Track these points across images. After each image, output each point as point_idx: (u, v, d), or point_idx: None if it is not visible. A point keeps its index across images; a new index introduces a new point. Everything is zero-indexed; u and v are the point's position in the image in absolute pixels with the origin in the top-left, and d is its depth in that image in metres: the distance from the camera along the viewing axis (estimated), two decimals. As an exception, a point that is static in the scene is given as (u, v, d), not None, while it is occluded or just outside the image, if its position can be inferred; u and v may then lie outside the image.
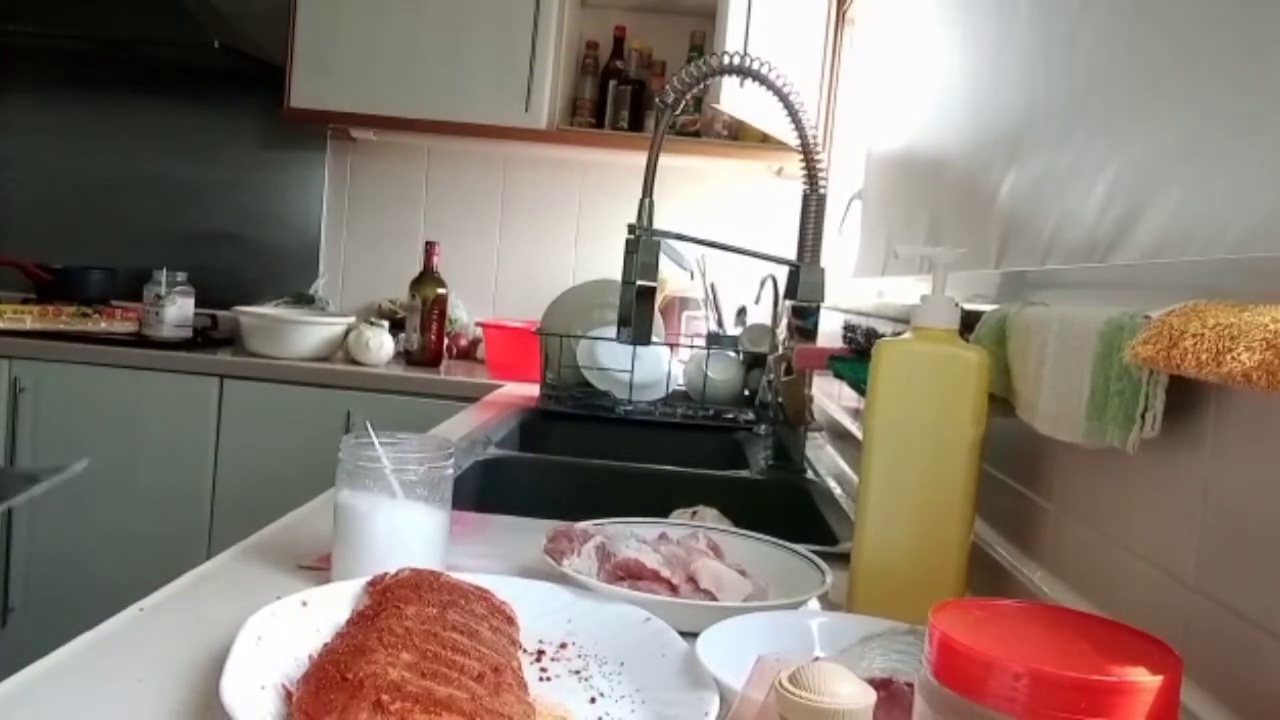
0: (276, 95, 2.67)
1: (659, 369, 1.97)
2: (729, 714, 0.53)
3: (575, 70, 2.86)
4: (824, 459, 1.65)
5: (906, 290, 1.41)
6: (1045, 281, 0.91)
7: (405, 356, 2.65)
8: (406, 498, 0.81)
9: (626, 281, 1.38)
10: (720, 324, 2.16)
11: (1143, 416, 0.61)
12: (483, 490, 1.41)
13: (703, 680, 0.63)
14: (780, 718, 0.42)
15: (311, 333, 2.56)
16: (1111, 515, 0.72)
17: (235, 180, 3.01)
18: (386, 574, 0.74)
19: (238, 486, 2.44)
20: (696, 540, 0.91)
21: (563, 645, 0.73)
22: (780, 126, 1.93)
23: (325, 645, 0.63)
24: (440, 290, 2.62)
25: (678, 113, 1.47)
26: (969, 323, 0.88)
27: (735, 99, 2.05)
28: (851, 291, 1.92)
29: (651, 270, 1.39)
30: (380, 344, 2.56)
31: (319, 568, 0.86)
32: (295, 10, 2.62)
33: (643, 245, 1.37)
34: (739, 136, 2.71)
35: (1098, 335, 0.66)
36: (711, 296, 2.18)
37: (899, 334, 0.89)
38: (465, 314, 2.92)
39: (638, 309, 1.38)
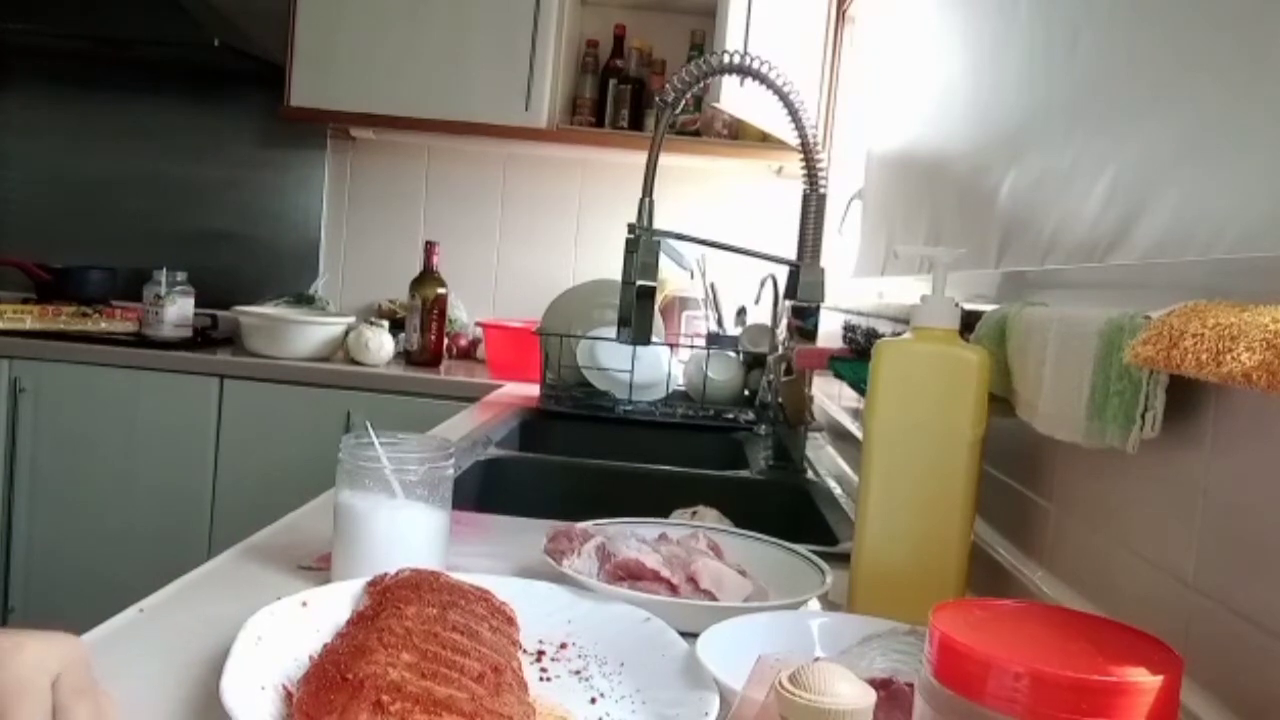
0: (276, 94, 2.67)
1: (659, 369, 1.97)
2: (729, 714, 0.53)
3: (575, 69, 2.85)
4: (824, 459, 1.65)
5: (906, 290, 1.41)
6: (1045, 281, 0.91)
7: (405, 356, 2.65)
8: (406, 498, 0.81)
9: (626, 281, 1.38)
10: (720, 324, 2.16)
11: (1143, 416, 0.61)
12: (483, 490, 1.41)
13: (703, 680, 0.63)
14: (780, 718, 0.42)
15: (311, 333, 2.56)
16: (1111, 515, 0.72)
17: (235, 179, 3.00)
18: (386, 574, 0.74)
19: (238, 486, 2.44)
20: (696, 540, 0.91)
21: (563, 645, 0.73)
22: (780, 126, 1.93)
23: (325, 645, 0.63)
24: (440, 290, 2.62)
25: (678, 112, 1.47)
26: (969, 323, 0.88)
27: (735, 98, 2.05)
28: (851, 291, 1.91)
29: (651, 270, 1.39)
30: (380, 344, 2.56)
31: (319, 568, 0.86)
32: (295, 10, 2.62)
33: (643, 245, 1.37)
34: (739, 136, 2.71)
35: (1098, 335, 0.66)
36: (711, 296, 2.18)
37: (899, 334, 0.89)
38: (465, 314, 2.92)
39: (638, 309, 1.38)
